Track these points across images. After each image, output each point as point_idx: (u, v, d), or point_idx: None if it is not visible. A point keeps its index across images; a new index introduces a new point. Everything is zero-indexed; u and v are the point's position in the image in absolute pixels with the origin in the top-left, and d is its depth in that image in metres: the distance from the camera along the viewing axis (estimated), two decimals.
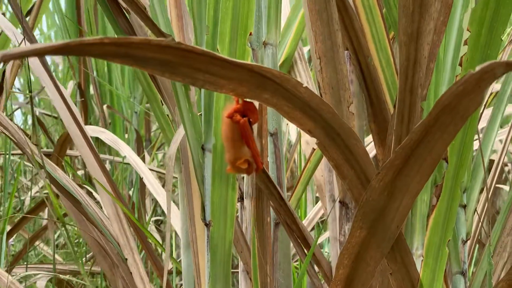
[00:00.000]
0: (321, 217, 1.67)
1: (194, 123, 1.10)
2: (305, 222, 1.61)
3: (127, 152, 1.91)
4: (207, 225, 1.08)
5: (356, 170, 0.92)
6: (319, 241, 1.64)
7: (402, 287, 1.02)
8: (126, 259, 1.28)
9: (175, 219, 1.63)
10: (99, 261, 1.32)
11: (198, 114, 1.13)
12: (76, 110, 1.42)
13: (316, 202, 1.98)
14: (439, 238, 0.99)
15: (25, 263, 2.59)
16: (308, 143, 1.43)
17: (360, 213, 0.94)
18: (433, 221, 0.98)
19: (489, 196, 1.40)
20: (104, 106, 3.46)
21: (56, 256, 2.91)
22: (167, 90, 1.32)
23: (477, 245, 1.60)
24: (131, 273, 1.27)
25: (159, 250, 2.09)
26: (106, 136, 1.94)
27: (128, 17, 1.36)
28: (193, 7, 1.09)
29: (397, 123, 1.04)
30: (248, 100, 0.75)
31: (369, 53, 1.23)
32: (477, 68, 0.58)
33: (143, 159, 2.88)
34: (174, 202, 1.83)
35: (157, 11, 1.19)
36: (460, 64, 0.94)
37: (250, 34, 0.98)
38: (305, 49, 2.39)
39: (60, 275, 2.64)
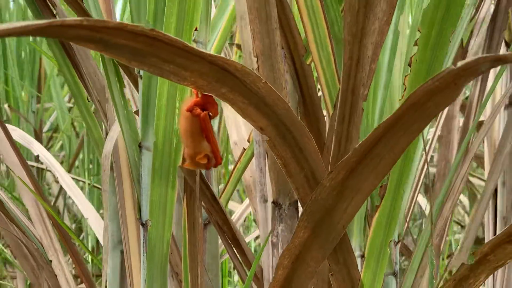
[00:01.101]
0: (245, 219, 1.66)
1: (130, 120, 1.07)
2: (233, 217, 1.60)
3: (40, 151, 1.86)
4: (143, 225, 1.05)
5: (303, 168, 0.91)
6: (247, 239, 1.62)
7: (343, 287, 1.02)
8: (51, 261, 1.24)
9: (94, 221, 1.59)
10: (21, 263, 1.27)
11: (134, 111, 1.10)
12: None
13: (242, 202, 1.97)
14: (381, 239, 0.99)
15: None
16: (237, 143, 1.42)
17: (307, 212, 0.92)
18: (376, 222, 0.98)
19: (415, 198, 1.41)
20: (6, 105, 3.36)
21: None
22: (96, 86, 1.29)
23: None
24: (55, 275, 1.23)
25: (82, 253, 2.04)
26: (17, 133, 1.88)
27: (54, 12, 1.32)
28: (131, 4, 1.06)
29: (338, 123, 1.04)
30: (207, 94, 0.73)
31: (304, 52, 1.22)
32: (459, 64, 0.58)
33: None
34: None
35: (90, 5, 1.16)
36: (409, 65, 0.94)
37: (196, 29, 0.95)
38: None
39: None
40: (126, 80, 1.16)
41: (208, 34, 1.35)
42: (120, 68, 1.14)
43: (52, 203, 2.72)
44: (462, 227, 3.16)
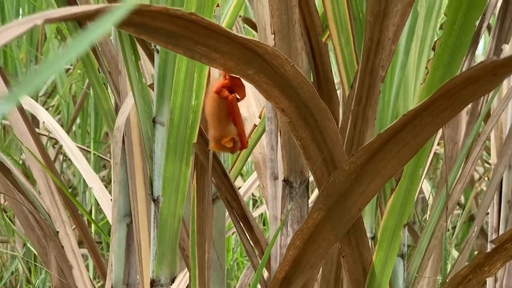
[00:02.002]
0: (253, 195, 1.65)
1: (144, 95, 1.06)
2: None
3: (46, 118, 1.85)
4: (154, 200, 1.05)
5: (323, 151, 0.90)
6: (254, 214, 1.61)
7: (353, 269, 1.01)
8: (58, 232, 1.23)
9: (99, 190, 1.58)
10: (28, 233, 1.27)
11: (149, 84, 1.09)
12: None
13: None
14: (395, 222, 0.99)
15: None
16: (247, 120, 1.41)
17: (323, 194, 0.92)
18: (391, 205, 0.97)
19: (422, 182, 1.40)
20: None
21: None
22: (107, 57, 1.27)
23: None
24: (62, 246, 1.22)
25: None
26: (26, 102, 1.86)
27: None
28: None
29: (355, 104, 1.03)
30: (234, 76, 0.72)
31: (320, 30, 1.21)
32: (502, 56, 0.57)
33: None
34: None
35: None
36: (433, 49, 0.93)
37: (217, 5, 0.94)
38: None
39: None
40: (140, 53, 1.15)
41: (221, 7, 1.33)
42: (136, 41, 1.13)
43: None
44: (459, 205, 3.17)
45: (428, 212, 2.15)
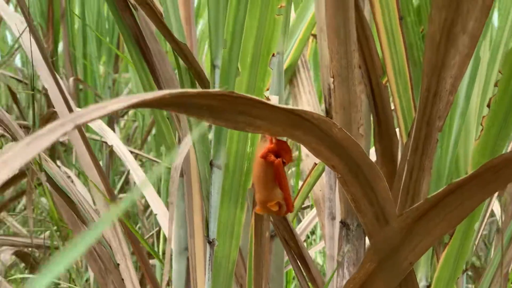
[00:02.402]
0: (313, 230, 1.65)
1: (203, 136, 1.08)
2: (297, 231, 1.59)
3: (115, 142, 1.88)
4: (210, 242, 1.06)
5: (374, 206, 0.90)
6: (311, 252, 1.62)
7: None
8: (118, 264, 1.26)
9: (163, 217, 1.61)
10: (90, 264, 1.29)
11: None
12: (67, 92, 1.38)
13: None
14: (449, 274, 0.98)
15: None
16: (309, 155, 1.41)
17: (373, 247, 0.92)
18: (445, 258, 0.96)
19: (485, 222, 1.39)
20: (71, 79, 3.40)
21: (22, 229, 2.87)
22: None
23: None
24: (122, 279, 1.25)
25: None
26: (95, 124, 1.90)
27: (135, 13, 1.33)
28: (210, 18, 1.06)
29: (411, 153, 1.03)
30: (281, 139, 0.73)
31: (381, 73, 1.21)
32: None
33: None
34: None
35: (170, 15, 1.16)
36: (488, 106, 0.92)
37: (273, 55, 0.95)
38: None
39: (25, 249, 2.60)
40: None
41: (285, 44, 1.34)
42: (196, 82, 1.15)
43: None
44: None
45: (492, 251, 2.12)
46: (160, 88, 1.32)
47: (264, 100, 0.61)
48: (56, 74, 1.30)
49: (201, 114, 0.59)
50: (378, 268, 0.95)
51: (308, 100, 1.42)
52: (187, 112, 0.57)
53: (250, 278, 1.15)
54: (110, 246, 1.28)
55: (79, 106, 3.50)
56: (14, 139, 1.34)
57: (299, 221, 2.49)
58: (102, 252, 1.28)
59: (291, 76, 1.46)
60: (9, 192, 3.20)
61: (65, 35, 3.42)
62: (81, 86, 3.51)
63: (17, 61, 4.10)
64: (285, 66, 1.46)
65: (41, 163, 1.20)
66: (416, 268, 1.09)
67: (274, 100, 1.07)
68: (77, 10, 3.50)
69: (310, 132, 0.74)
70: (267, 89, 0.96)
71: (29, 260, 2.56)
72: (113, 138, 1.86)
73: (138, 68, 1.31)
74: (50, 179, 1.28)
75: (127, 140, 3.84)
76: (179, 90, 0.52)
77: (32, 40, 1.32)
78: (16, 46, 2.65)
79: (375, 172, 0.85)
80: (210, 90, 0.55)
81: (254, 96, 0.59)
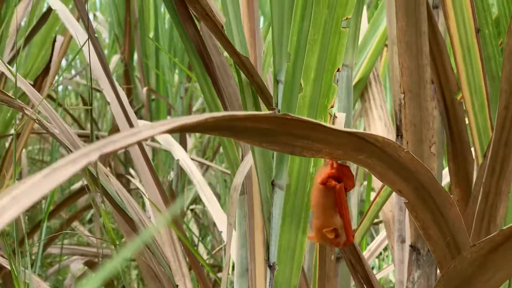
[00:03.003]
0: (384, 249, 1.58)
1: (265, 155, 1.02)
2: (365, 253, 1.53)
3: (181, 155, 1.84)
4: (270, 266, 1.00)
5: (444, 233, 0.83)
6: (379, 275, 1.55)
7: None
8: (177, 286, 1.21)
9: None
10: (149, 283, 1.25)
11: None
12: (131, 111, 1.34)
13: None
14: None
15: (61, 243, 2.55)
16: None
17: (445, 278, 0.85)
18: None
19: None
20: (144, 89, 3.38)
21: (92, 239, 2.86)
22: (234, 107, 1.24)
23: None
24: None
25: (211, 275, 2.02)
26: (161, 136, 1.86)
27: (198, 26, 1.28)
28: (273, 30, 1.01)
29: (487, 175, 0.96)
30: (343, 163, 0.67)
31: (456, 88, 1.14)
32: None
33: (184, 147, 2.80)
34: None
35: (232, 27, 1.11)
36: None
37: (338, 70, 0.89)
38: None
39: (95, 259, 2.59)
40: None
41: (354, 57, 1.28)
42: (259, 97, 1.10)
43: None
44: None
45: None
46: (223, 102, 1.27)
47: (322, 122, 0.55)
48: (116, 88, 1.26)
49: (251, 138, 0.54)
50: None
51: (380, 116, 1.36)
52: (235, 137, 0.52)
53: None
54: (169, 266, 1.23)
55: (151, 116, 3.48)
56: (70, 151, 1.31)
57: (372, 238, 2.42)
58: (161, 271, 1.24)
59: (362, 90, 1.40)
60: (81, 201, 3.20)
61: (138, 46, 3.41)
62: (153, 96, 3.50)
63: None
64: (356, 79, 1.40)
65: (98, 179, 1.17)
66: None
67: (340, 118, 1.01)
68: (151, 21, 3.49)
69: (374, 155, 0.68)
70: (332, 106, 0.90)
71: (98, 269, 2.54)
72: (179, 151, 1.82)
73: (201, 81, 1.26)
74: (108, 195, 1.25)
75: (200, 150, 3.81)
76: (224, 113, 0.47)
77: (93, 51, 1.29)
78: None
79: (445, 198, 0.78)
80: (259, 112, 0.50)
81: (310, 119, 0.54)
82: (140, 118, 3.47)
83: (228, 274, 1.41)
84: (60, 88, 4.38)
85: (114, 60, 3.66)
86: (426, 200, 0.79)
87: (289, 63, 0.95)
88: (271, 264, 1.01)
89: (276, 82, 1.01)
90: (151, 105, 3.50)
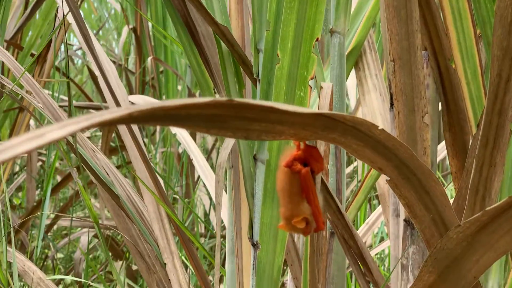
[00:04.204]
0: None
1: None
2: (363, 227, 1.48)
3: (178, 130, 1.79)
4: (254, 245, 0.96)
5: (431, 211, 0.78)
6: (374, 252, 1.50)
7: None
8: (166, 264, 1.17)
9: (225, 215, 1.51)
10: (137, 260, 1.21)
11: None
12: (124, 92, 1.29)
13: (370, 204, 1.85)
14: None
15: (70, 215, 2.52)
16: None
17: (432, 259, 0.80)
18: None
19: None
20: (149, 58, 3.32)
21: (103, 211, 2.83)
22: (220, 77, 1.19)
23: None
24: (169, 280, 1.16)
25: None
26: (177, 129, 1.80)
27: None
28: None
29: (480, 147, 0.90)
30: (310, 145, 0.62)
31: (450, 55, 1.08)
32: None
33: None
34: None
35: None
36: None
37: (317, 40, 0.83)
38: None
39: (106, 231, 2.55)
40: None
41: (347, 24, 1.22)
42: (240, 67, 1.05)
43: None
44: None
45: None
46: (210, 71, 1.22)
47: (276, 105, 0.50)
48: (100, 62, 1.21)
49: (197, 126, 0.49)
50: (439, 280, 0.84)
51: (374, 85, 1.30)
52: (177, 125, 0.47)
53: (305, 280, 1.05)
54: (157, 245, 1.19)
55: (159, 86, 3.43)
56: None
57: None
58: (149, 250, 1.20)
59: (357, 58, 1.34)
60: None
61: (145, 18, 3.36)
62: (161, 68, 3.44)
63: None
64: (350, 47, 1.34)
65: (77, 151, 1.12)
66: (488, 274, 0.97)
67: (326, 88, 0.95)
68: None
69: (348, 133, 0.63)
70: (312, 78, 0.84)
71: (109, 242, 2.51)
72: (194, 149, 1.76)
73: (188, 51, 1.21)
74: (92, 170, 1.20)
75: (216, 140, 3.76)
76: (148, 106, 0.42)
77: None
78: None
79: (429, 175, 0.73)
80: (193, 100, 0.45)
81: (261, 103, 0.49)
82: (153, 88, 3.42)
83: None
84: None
85: (125, 30, 3.61)
86: (409, 177, 0.74)
87: (268, 31, 0.90)
88: (255, 243, 0.96)
89: (257, 51, 0.96)
90: (159, 76, 3.45)
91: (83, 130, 0.38)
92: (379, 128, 0.62)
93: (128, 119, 0.41)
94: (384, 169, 0.72)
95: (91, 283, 1.73)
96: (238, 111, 0.49)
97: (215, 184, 0.98)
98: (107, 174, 1.23)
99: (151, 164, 1.21)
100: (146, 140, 3.07)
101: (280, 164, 0.60)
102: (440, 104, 1.11)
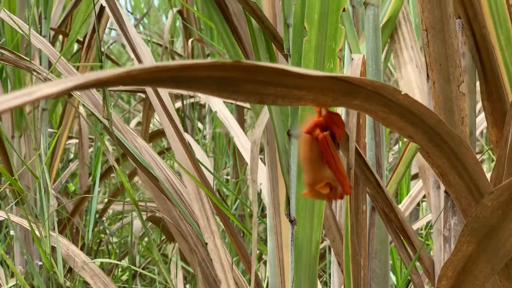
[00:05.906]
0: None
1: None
2: (405, 201, 1.47)
3: (219, 107, 1.79)
4: (291, 221, 0.95)
5: (465, 179, 0.77)
6: (416, 226, 1.49)
7: None
8: (206, 243, 1.17)
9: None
10: (179, 241, 1.22)
11: None
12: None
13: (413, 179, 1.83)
14: None
15: (123, 200, 2.54)
16: None
17: (468, 228, 0.79)
18: None
19: None
20: (190, 40, 3.32)
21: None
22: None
23: None
24: (211, 259, 1.16)
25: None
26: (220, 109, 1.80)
27: None
28: None
29: None
30: (332, 111, 0.61)
31: (485, 22, 1.06)
32: None
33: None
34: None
35: None
36: None
37: (344, 10, 0.82)
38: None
39: (157, 214, 2.57)
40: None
41: None
42: (272, 44, 1.04)
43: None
44: None
45: None
46: (243, 48, 1.22)
47: (288, 67, 0.49)
48: (130, 38, 1.21)
49: (206, 89, 0.48)
50: (479, 250, 0.83)
51: (410, 57, 1.29)
52: (183, 88, 0.47)
53: (347, 256, 1.04)
54: (198, 225, 1.19)
55: None
56: None
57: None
58: (190, 230, 1.20)
59: (392, 31, 1.33)
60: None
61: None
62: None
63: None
64: (385, 19, 1.32)
65: (113, 134, 1.13)
66: None
67: (357, 59, 0.94)
68: None
69: (371, 98, 0.62)
70: (340, 49, 0.84)
71: (161, 226, 2.52)
72: (217, 103, 1.77)
73: (220, 29, 1.21)
74: (130, 153, 1.21)
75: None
76: (149, 65, 0.41)
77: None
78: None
79: (460, 142, 0.72)
80: (201, 61, 0.44)
81: (268, 64, 0.48)
82: None
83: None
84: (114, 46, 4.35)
85: (171, 14, 3.62)
86: (440, 145, 0.72)
87: (296, 5, 0.89)
88: (292, 219, 0.96)
89: (287, 26, 0.95)
90: (204, 55, 3.44)
91: (79, 89, 0.38)
92: (402, 93, 0.61)
93: (126, 79, 0.41)
94: (413, 137, 0.71)
95: (148, 266, 1.74)
96: (250, 74, 0.49)
97: (250, 161, 0.98)
98: (147, 158, 1.24)
99: (188, 143, 1.21)
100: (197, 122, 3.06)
101: (301, 131, 0.60)
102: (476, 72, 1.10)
